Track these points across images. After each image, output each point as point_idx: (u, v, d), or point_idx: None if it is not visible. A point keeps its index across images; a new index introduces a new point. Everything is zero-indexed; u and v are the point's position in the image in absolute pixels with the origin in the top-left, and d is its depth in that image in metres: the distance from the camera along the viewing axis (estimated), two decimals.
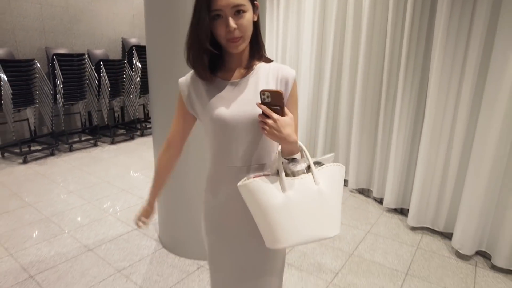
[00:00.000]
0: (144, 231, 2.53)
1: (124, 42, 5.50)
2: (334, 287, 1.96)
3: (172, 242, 2.28)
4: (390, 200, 2.81)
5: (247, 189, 0.92)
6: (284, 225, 0.91)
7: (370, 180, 3.16)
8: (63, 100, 4.28)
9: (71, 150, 4.45)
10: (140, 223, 1.18)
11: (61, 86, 4.21)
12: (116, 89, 4.89)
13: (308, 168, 0.95)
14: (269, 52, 3.96)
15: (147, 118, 5.68)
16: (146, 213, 1.18)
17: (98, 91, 4.66)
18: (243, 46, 0.96)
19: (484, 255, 2.28)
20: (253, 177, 0.92)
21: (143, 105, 5.70)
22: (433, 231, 2.57)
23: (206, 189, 1.11)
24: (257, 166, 1.02)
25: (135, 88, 4.96)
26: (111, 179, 3.53)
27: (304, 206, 0.92)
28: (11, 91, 3.82)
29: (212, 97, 1.00)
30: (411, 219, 2.58)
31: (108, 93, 4.63)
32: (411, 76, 2.52)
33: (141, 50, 4.99)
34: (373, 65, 2.89)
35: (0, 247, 2.30)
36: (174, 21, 1.87)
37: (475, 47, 2.08)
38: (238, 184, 0.94)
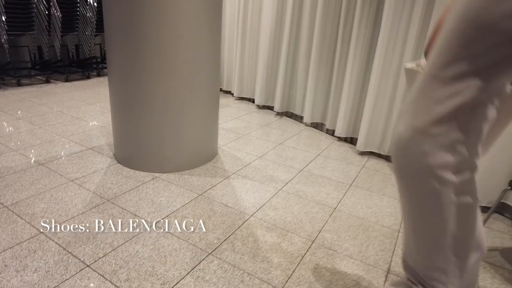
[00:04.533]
0: (99, 150, 2.50)
1: None
2: (283, 193, 2.10)
3: (127, 158, 2.29)
4: (341, 130, 2.96)
5: None
6: None
7: (324, 115, 3.30)
8: (6, 29, 3.94)
9: (19, 84, 4.19)
10: None
11: (3, 11, 3.86)
12: (70, 24, 4.57)
13: None
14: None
15: (104, 59, 5.41)
16: None
17: (49, 24, 4.33)
18: None
19: None
20: None
21: (100, 44, 5.40)
22: (378, 156, 2.78)
23: None
24: None
25: (90, 24, 4.66)
26: (65, 109, 3.40)
27: None
28: None
29: None
30: (360, 145, 2.75)
31: (60, 27, 4.32)
32: (366, 19, 2.59)
33: None
34: (331, 10, 2.93)
35: None
36: None
37: None
38: None
